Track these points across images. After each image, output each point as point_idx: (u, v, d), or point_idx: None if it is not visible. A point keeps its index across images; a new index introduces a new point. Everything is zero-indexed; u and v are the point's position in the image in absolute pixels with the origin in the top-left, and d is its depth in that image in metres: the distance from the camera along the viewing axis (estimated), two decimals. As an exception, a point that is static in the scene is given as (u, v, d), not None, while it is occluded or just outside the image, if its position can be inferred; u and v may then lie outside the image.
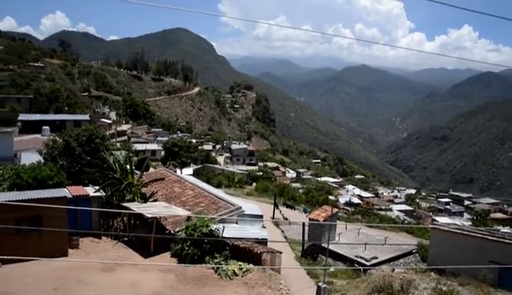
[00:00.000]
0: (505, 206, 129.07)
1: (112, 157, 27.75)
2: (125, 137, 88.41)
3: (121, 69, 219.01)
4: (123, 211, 23.26)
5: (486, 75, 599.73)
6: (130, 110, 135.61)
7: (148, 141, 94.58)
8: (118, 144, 65.50)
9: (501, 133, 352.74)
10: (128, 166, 27.15)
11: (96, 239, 23.37)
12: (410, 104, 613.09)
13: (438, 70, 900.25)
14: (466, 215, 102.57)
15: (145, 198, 26.06)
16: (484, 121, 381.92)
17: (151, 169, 44.30)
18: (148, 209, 22.99)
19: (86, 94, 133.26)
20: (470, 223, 69.09)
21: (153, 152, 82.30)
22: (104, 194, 24.76)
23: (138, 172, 29.12)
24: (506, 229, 55.24)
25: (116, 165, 27.00)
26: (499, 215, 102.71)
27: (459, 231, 27.46)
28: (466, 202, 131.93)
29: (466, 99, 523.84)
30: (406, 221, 66.77)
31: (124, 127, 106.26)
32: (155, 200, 26.61)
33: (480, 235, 26.19)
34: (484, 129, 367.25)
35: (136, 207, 23.21)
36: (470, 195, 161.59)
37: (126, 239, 24.09)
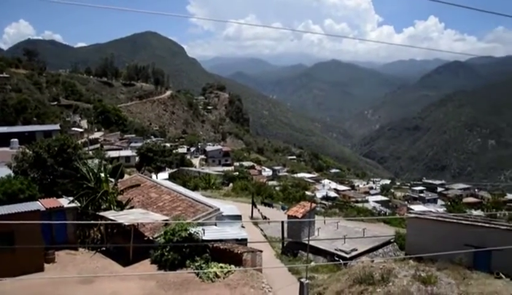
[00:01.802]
0: (476, 190, 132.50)
1: (85, 166, 27.30)
2: (98, 145, 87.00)
3: (91, 76, 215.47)
4: (99, 221, 22.95)
5: (453, 64, 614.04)
6: (101, 117, 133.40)
7: (122, 148, 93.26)
8: (90, 153, 64.45)
9: (469, 120, 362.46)
10: (102, 175, 26.78)
11: (73, 251, 22.96)
12: (382, 97, 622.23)
13: (407, 61, 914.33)
14: (440, 201, 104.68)
15: (121, 206, 25.74)
16: (453, 109, 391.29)
17: (126, 176, 43.70)
18: (125, 217, 22.69)
19: (55, 103, 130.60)
20: (444, 209, 70.50)
21: (127, 158, 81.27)
22: (79, 204, 24.33)
23: (113, 180, 28.73)
24: (478, 212, 56.70)
25: (90, 174, 26.59)
26: (471, 199, 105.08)
27: (434, 218, 28.05)
28: (440, 189, 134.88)
29: (435, 88, 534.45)
30: (383, 211, 67.78)
31: (97, 135, 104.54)
32: (132, 207, 26.31)
33: (454, 221, 26.86)
34: (454, 117, 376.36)
35: (113, 216, 22.90)
36: (443, 181, 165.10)
37: (103, 249, 23.73)
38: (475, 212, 54.92)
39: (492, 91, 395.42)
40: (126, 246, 22.19)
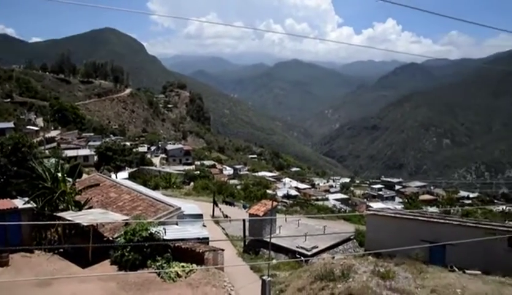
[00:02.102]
0: (431, 187, 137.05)
1: (41, 166, 26.44)
2: (55, 144, 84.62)
3: (47, 73, 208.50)
4: (56, 221, 22.28)
5: (410, 66, 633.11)
6: (58, 115, 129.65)
7: (80, 147, 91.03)
8: (47, 152, 62.63)
9: (425, 120, 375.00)
10: (60, 174, 26.00)
11: (28, 254, 22.18)
12: (341, 96, 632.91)
13: (366, 62, 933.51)
14: (397, 199, 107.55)
15: (79, 206, 25.08)
16: (410, 109, 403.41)
17: (85, 176, 42.62)
18: (84, 217, 22.13)
19: (8, 100, 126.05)
20: (402, 206, 72.49)
21: (86, 157, 79.41)
22: (35, 205, 23.54)
23: (70, 179, 27.96)
24: (433, 209, 58.71)
25: (47, 174, 25.75)
26: (427, 196, 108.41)
27: (392, 215, 28.83)
28: (397, 187, 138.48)
29: (393, 89, 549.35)
30: (343, 209, 68.97)
31: (53, 133, 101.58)
32: (90, 207, 25.68)
33: (411, 217, 27.72)
34: (411, 117, 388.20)
35: (71, 216, 22.29)
36: (400, 180, 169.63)
37: (61, 250, 23.06)
38: (430, 209, 56.78)
39: (447, 92, 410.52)
40: (84, 247, 21.66)
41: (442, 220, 26.14)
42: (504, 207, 65.91)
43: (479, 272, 19.58)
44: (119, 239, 21.73)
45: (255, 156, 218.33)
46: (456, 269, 20.24)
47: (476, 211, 52.29)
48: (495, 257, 22.28)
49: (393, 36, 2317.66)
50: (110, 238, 22.73)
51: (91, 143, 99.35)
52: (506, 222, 30.00)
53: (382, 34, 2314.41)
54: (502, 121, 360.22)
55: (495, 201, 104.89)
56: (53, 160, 29.88)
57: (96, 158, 78.20)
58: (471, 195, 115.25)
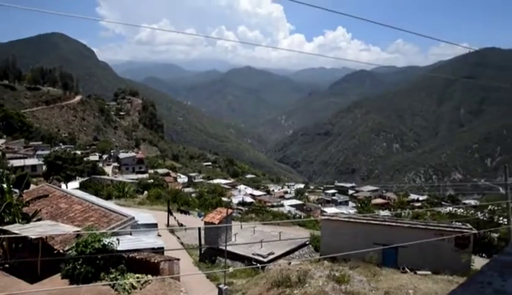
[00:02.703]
0: (383, 191, 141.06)
1: (-16, 177, 25.23)
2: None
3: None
4: (1, 235, 21.27)
5: (360, 73, 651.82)
6: (3, 123, 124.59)
7: (27, 156, 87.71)
8: (-9, 162, 59.81)
9: (376, 125, 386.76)
10: (5, 185, 24.87)
11: (-28, 271, 21.04)
12: (294, 103, 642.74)
13: (317, 69, 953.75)
14: (351, 203, 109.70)
15: (27, 218, 24.06)
16: (361, 115, 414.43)
17: (33, 186, 41.01)
18: (32, 230, 21.24)
19: None
20: (355, 210, 73.98)
21: (34, 167, 76.55)
22: (-22, 219, 22.40)
23: (17, 190, 26.80)
24: (385, 212, 60.35)
25: (-9, 185, 24.60)
26: (379, 200, 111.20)
27: (346, 219, 29.41)
28: (350, 191, 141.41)
29: (343, 96, 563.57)
30: (297, 215, 69.66)
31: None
32: (39, 219, 24.70)
33: (364, 221, 28.38)
34: (362, 123, 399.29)
35: (18, 229, 21.32)
36: (353, 184, 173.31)
37: (7, 266, 22.00)
38: (383, 213, 58.32)
39: (395, 98, 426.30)
40: (33, 261, 20.77)
41: (394, 224, 26.93)
42: (450, 208, 68.73)
43: (429, 272, 20.30)
44: (70, 251, 20.98)
45: (210, 163, 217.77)
46: (408, 270, 20.89)
47: (425, 213, 54.12)
48: (443, 257, 23.19)
49: (343, 44, 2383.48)
50: (61, 251, 21.90)
51: (39, 152, 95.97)
52: (453, 222, 31.25)
53: (333, 41, 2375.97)
54: (446, 126, 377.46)
55: (443, 203, 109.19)
56: (-3, 171, 28.56)
57: (44, 167, 75.47)
58: (421, 198, 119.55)
